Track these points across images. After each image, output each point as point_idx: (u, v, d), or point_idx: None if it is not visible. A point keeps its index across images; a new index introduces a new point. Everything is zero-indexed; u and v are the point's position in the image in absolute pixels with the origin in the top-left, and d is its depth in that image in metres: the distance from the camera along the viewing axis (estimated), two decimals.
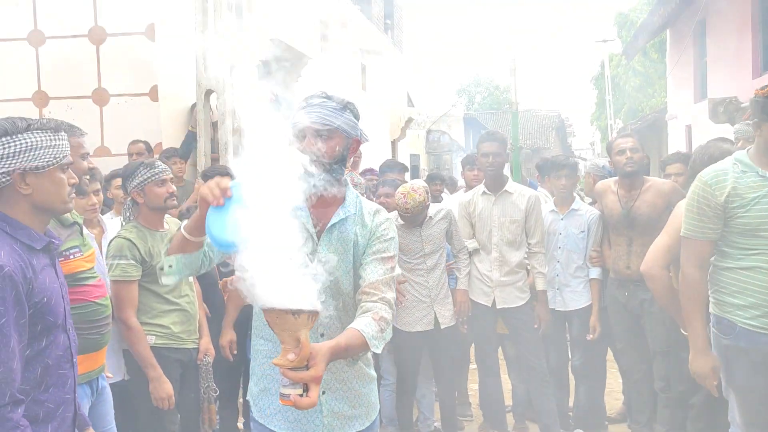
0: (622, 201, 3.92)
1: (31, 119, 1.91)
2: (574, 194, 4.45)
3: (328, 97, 2.01)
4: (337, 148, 1.97)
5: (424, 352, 4.15)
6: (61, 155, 1.89)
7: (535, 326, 4.07)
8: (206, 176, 4.74)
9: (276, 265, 1.57)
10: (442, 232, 4.06)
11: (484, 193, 4.19)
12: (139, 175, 3.08)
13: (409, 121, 17.43)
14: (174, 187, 3.18)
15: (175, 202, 3.21)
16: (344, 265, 2.01)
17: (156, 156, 5.33)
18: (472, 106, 40.91)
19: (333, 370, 2.06)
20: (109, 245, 3.08)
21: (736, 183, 2.46)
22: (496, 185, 4.13)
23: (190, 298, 3.24)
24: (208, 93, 5.92)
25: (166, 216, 3.29)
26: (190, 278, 3.25)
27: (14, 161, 1.80)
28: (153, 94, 6.02)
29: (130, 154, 5.27)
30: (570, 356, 4.47)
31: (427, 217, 4.01)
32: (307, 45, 10.18)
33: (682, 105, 13.10)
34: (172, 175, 3.22)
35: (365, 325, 1.84)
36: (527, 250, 4.12)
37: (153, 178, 3.08)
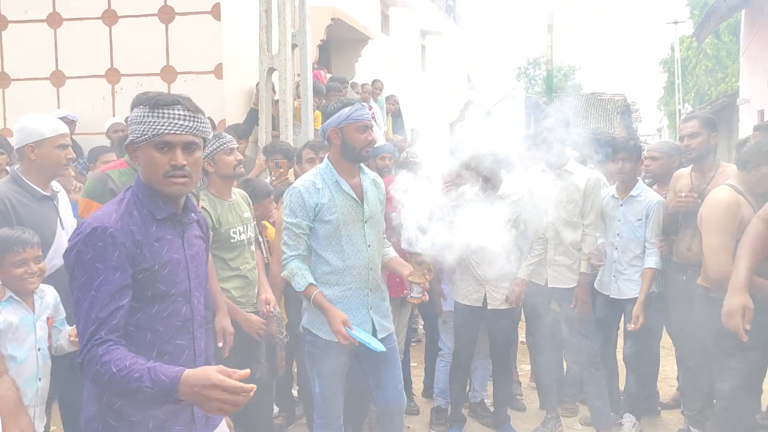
0: (695, 184, 3.81)
1: (155, 95, 1.84)
2: (638, 179, 4.27)
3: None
4: None
5: (479, 328, 4.17)
6: (150, 132, 1.79)
7: (571, 305, 4.04)
8: (267, 152, 4.90)
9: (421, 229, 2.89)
10: (512, 214, 3.91)
11: (543, 171, 4.16)
12: (209, 145, 3.24)
13: (469, 103, 17.28)
14: (241, 156, 3.34)
15: (243, 169, 3.38)
16: (381, 217, 3.06)
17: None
18: (532, 88, 40.13)
19: (376, 292, 3.04)
20: None
21: None
22: (556, 164, 4.10)
23: (251, 266, 3.39)
24: (270, 71, 6.07)
25: (233, 188, 3.44)
26: (252, 247, 3.41)
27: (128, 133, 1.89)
28: (218, 72, 6.22)
29: None
30: (623, 344, 4.40)
31: (497, 196, 3.91)
32: (368, 25, 10.22)
33: (755, 89, 12.54)
34: (237, 145, 3.37)
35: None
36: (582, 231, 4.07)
37: (222, 147, 3.25)
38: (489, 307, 4.03)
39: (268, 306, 3.45)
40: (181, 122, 1.81)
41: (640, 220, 4.06)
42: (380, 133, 8.81)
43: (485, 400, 4.50)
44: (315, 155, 3.56)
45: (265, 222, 3.78)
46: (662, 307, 4.05)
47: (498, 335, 4.13)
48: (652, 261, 4.02)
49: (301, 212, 2.87)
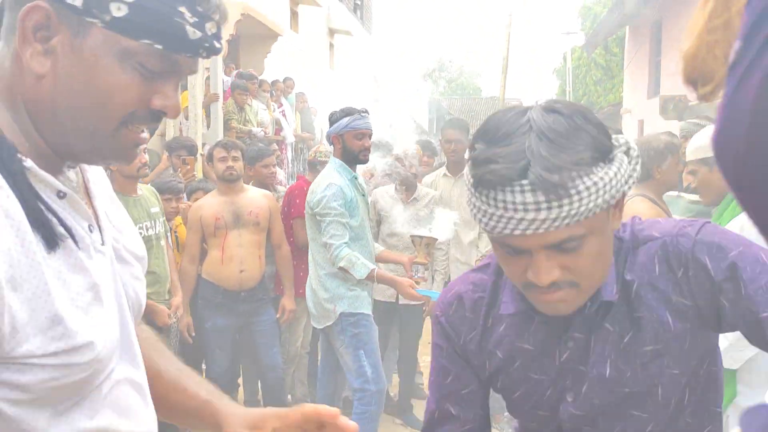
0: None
1: (487, 145, 1.00)
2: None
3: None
4: None
5: (393, 322, 4.40)
6: (486, 228, 1.01)
7: None
8: (170, 148, 4.81)
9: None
10: (427, 215, 4.13)
11: (444, 175, 4.45)
12: None
13: (375, 101, 17.57)
14: (146, 157, 3.34)
15: (147, 171, 3.38)
16: None
17: None
18: (437, 90, 41.19)
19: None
20: None
21: None
22: (456, 168, 4.39)
23: (160, 260, 3.39)
24: None
25: (140, 184, 3.43)
26: (162, 242, 3.41)
27: None
28: None
29: None
30: None
31: (413, 197, 4.18)
32: (278, 21, 10.24)
33: (636, 100, 13.61)
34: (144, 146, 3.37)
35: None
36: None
37: None
38: (401, 302, 4.27)
39: (172, 315, 3.42)
40: (530, 217, 0.93)
41: None
42: (290, 131, 8.88)
43: (389, 391, 4.73)
44: (227, 154, 3.59)
45: (178, 220, 3.77)
46: None
47: (408, 329, 4.40)
48: None
49: (343, 204, 3.16)
